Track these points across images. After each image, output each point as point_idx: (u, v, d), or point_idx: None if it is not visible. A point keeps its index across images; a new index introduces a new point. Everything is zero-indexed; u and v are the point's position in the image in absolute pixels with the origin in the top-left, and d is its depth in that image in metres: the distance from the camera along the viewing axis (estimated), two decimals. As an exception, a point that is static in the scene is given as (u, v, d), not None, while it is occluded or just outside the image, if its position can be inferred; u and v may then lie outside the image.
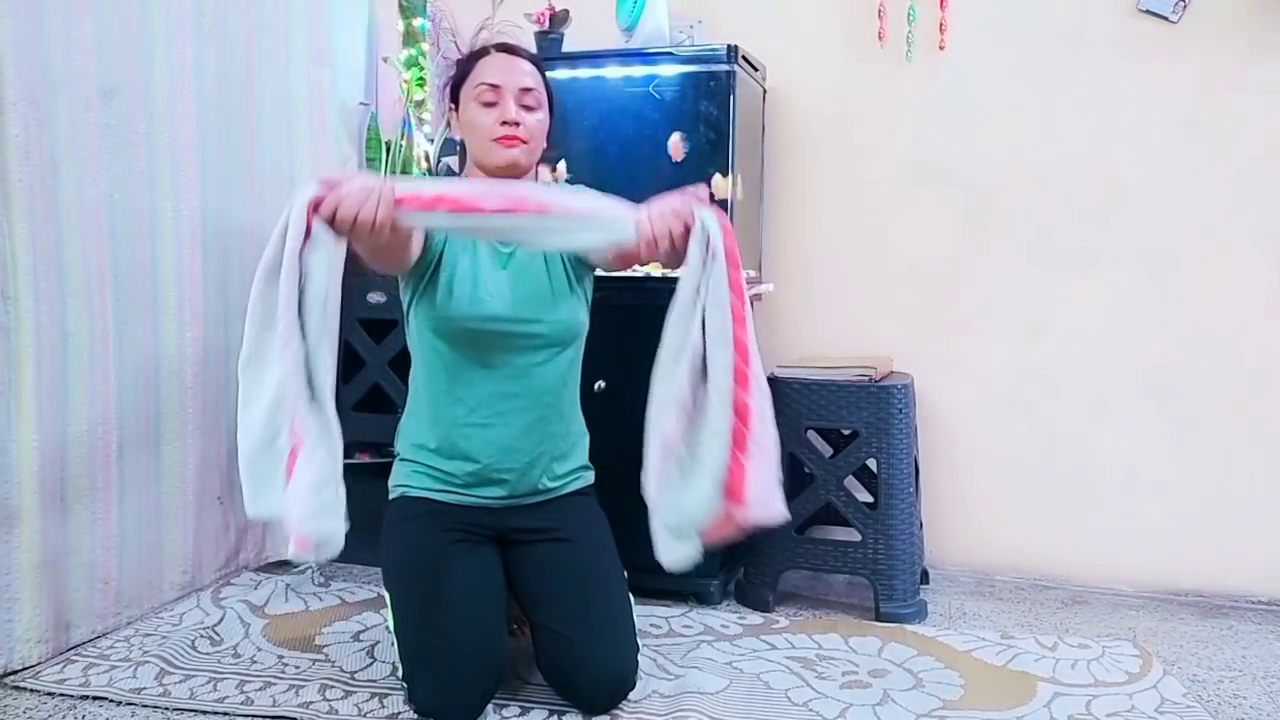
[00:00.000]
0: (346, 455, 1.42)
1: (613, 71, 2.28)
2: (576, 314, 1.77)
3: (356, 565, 2.41)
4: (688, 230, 1.33)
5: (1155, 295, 2.32)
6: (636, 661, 1.67)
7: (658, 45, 2.27)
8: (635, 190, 2.22)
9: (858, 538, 2.14)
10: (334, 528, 1.26)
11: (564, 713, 1.62)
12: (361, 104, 2.53)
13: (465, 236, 1.59)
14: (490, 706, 1.62)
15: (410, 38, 2.51)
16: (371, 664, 1.81)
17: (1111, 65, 2.31)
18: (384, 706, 1.64)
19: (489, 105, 1.70)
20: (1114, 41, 2.31)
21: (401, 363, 2.21)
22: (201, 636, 1.92)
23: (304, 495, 1.20)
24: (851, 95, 2.48)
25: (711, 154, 2.19)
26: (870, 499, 2.20)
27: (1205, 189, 2.28)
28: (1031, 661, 1.87)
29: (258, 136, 2.28)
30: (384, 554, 1.75)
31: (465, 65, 1.77)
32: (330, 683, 1.72)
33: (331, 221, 1.30)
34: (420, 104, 2.49)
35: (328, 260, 1.27)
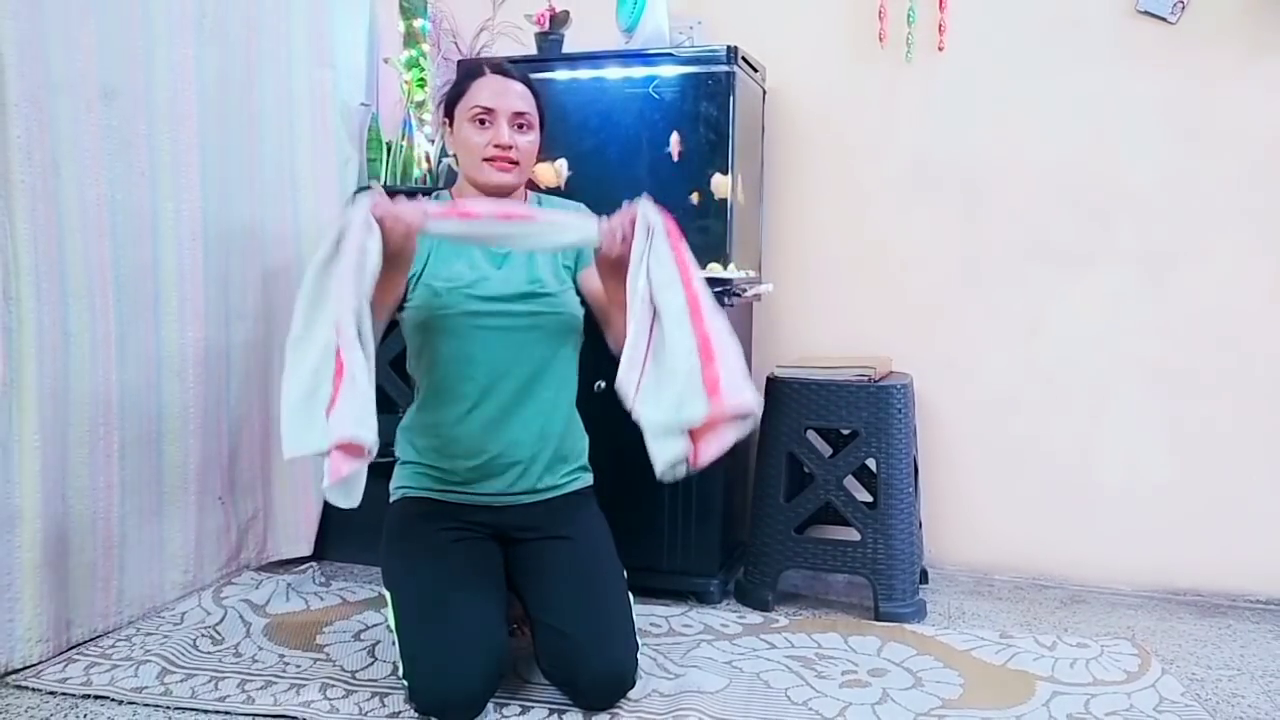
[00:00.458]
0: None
1: (613, 72, 2.28)
2: (569, 306, 1.79)
3: (357, 565, 2.42)
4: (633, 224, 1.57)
5: (1154, 295, 2.33)
6: (636, 660, 1.67)
7: (658, 46, 2.28)
8: (635, 190, 2.24)
9: (857, 537, 2.14)
10: (374, 438, 1.41)
11: (564, 711, 1.63)
12: (362, 105, 2.54)
13: (469, 243, 1.69)
14: (490, 705, 1.62)
15: (411, 39, 2.51)
16: (372, 663, 1.82)
17: (1110, 66, 2.32)
18: (385, 705, 1.65)
19: (482, 126, 1.75)
20: (1113, 42, 2.31)
21: (402, 363, 2.21)
22: (203, 635, 1.92)
23: (348, 413, 1.38)
24: (851, 96, 2.49)
25: (711, 154, 2.19)
26: (870, 499, 2.21)
27: (1204, 189, 2.28)
28: (1030, 660, 1.87)
29: (259, 137, 2.28)
30: (384, 553, 1.76)
31: (460, 84, 1.81)
32: (331, 682, 1.73)
33: (381, 217, 1.52)
34: (421, 105, 2.49)
35: (378, 246, 1.49)
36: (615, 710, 1.62)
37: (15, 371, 1.73)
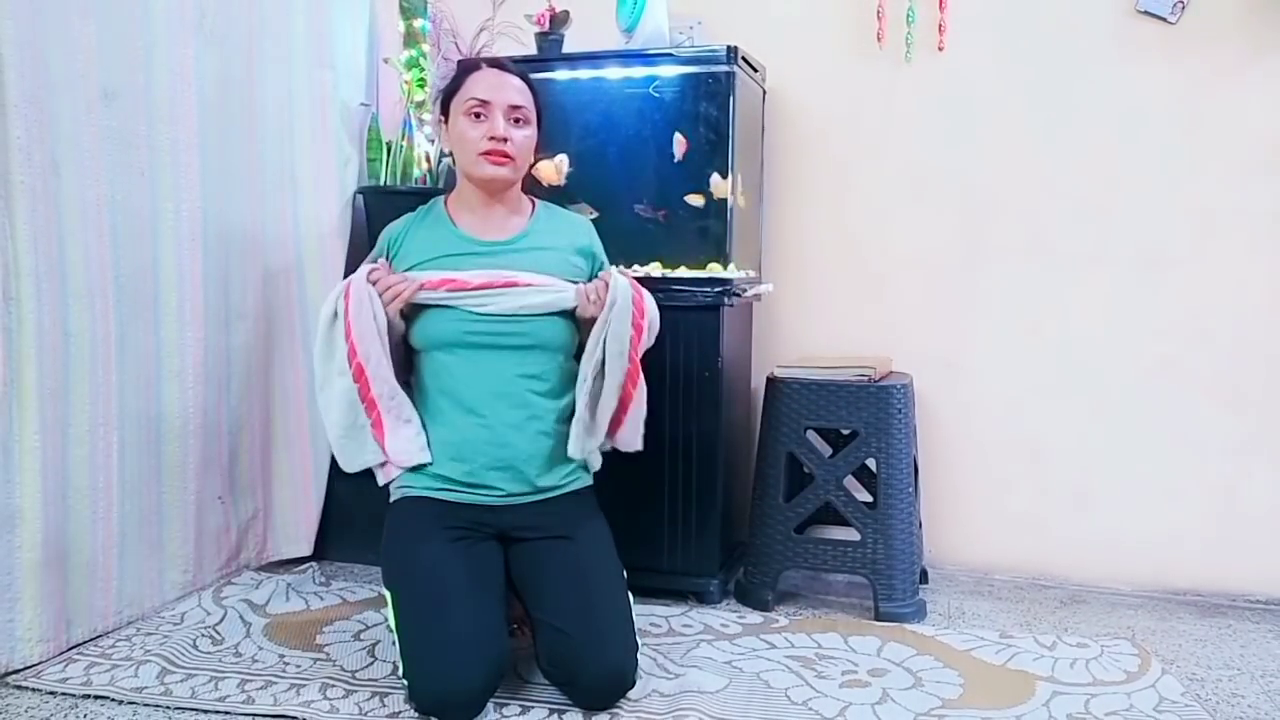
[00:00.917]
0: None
1: (613, 72, 2.28)
2: (563, 327, 1.80)
3: (357, 565, 2.42)
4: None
5: (1153, 295, 2.33)
6: (636, 659, 1.68)
7: (658, 46, 2.28)
8: (635, 190, 2.25)
9: (857, 537, 2.14)
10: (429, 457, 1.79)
11: (564, 711, 1.63)
12: (362, 105, 2.54)
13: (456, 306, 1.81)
14: (490, 704, 1.62)
15: (411, 39, 2.51)
16: (372, 663, 1.82)
17: (1110, 66, 2.32)
18: (385, 705, 1.65)
19: (478, 120, 1.75)
20: (1113, 42, 2.31)
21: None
22: (203, 635, 1.93)
23: (408, 445, 1.78)
24: (851, 96, 2.49)
25: (711, 155, 2.19)
26: (869, 498, 2.21)
27: (1204, 189, 2.28)
28: (1030, 660, 1.87)
29: (259, 137, 2.28)
30: (385, 553, 1.76)
31: (456, 79, 1.82)
32: (331, 682, 1.73)
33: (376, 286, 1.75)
34: (421, 105, 2.49)
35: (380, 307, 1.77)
36: (615, 710, 1.63)
37: (15, 372, 1.73)
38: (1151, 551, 2.35)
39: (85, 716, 1.61)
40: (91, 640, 1.89)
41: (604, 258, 1.92)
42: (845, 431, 2.25)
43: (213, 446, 2.20)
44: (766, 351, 2.55)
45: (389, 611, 1.68)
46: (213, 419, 2.19)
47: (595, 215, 2.22)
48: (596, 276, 1.85)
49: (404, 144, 2.50)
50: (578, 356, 1.84)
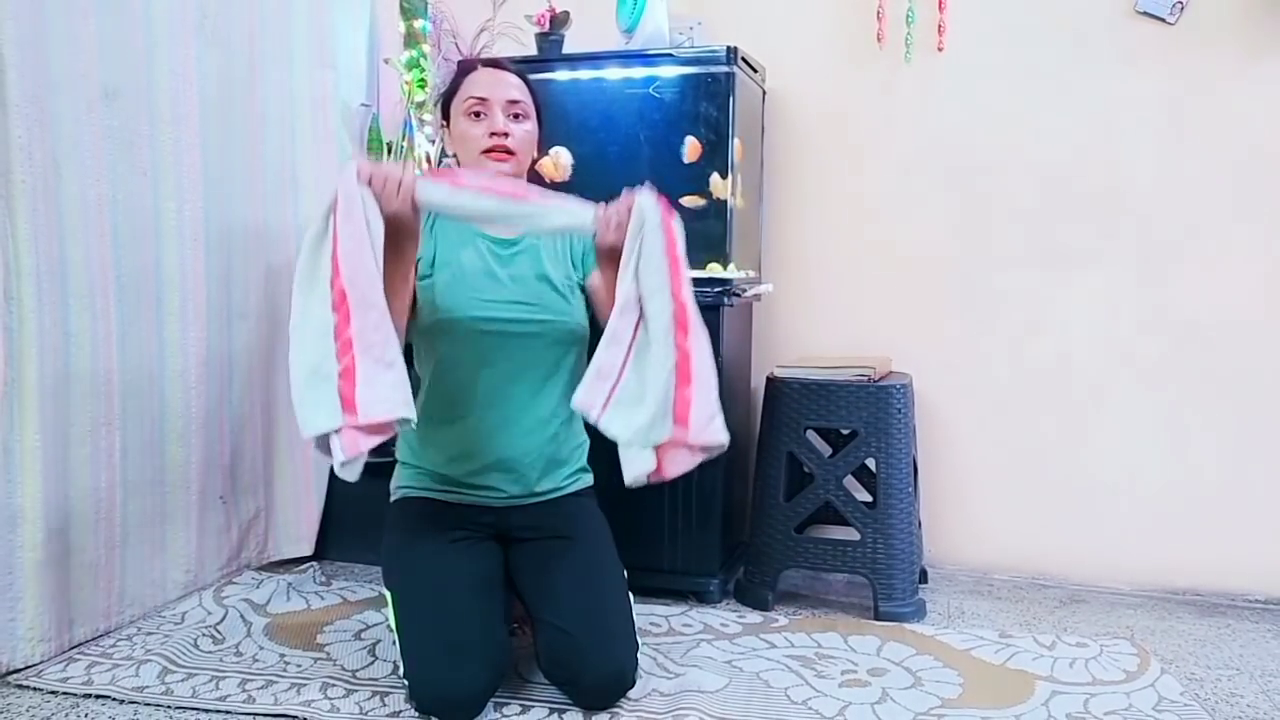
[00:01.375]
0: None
1: (613, 73, 2.28)
2: (576, 316, 1.78)
3: (358, 565, 2.42)
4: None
5: (1153, 295, 2.33)
6: (636, 659, 1.68)
7: (658, 47, 2.28)
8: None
9: (857, 537, 2.14)
10: (413, 413, 1.45)
11: (564, 711, 1.63)
12: (363, 105, 2.54)
13: (458, 218, 1.63)
14: (490, 704, 1.63)
15: (411, 39, 2.52)
16: (373, 662, 1.82)
17: (1109, 66, 2.32)
18: (385, 705, 1.65)
19: (478, 119, 1.75)
20: (1111, 43, 2.31)
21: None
22: (204, 635, 1.93)
23: (386, 393, 1.41)
24: (850, 96, 2.49)
25: (711, 155, 2.20)
26: (869, 498, 2.21)
27: (1203, 189, 2.29)
28: (1030, 660, 1.88)
29: (260, 137, 2.29)
30: (385, 552, 1.76)
31: (454, 82, 1.82)
32: (332, 681, 1.73)
33: (369, 179, 1.49)
34: (421, 105, 2.49)
35: (376, 212, 1.48)
36: (615, 710, 1.63)
37: (16, 371, 1.73)
38: (1151, 551, 2.35)
39: (86, 716, 1.61)
40: (93, 640, 1.89)
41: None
42: (845, 431, 2.25)
43: (214, 446, 2.20)
44: (766, 351, 2.55)
45: (389, 611, 1.68)
46: (214, 419, 2.19)
47: None
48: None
49: (404, 144, 2.50)
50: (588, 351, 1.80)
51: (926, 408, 2.46)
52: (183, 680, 1.73)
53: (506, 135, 1.74)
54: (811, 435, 2.22)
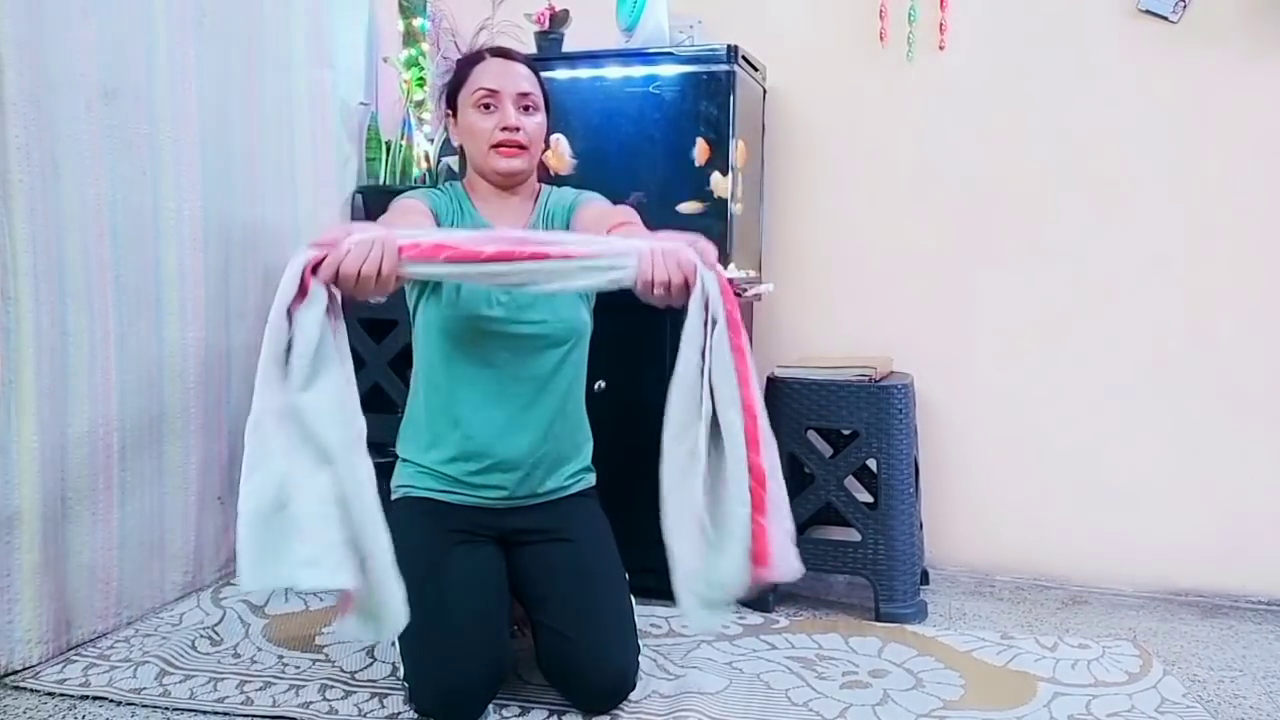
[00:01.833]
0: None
1: (613, 71, 2.28)
2: (579, 313, 1.77)
3: (357, 565, 2.41)
4: (687, 285, 1.29)
5: (1154, 295, 2.32)
6: (637, 662, 1.67)
7: (658, 45, 2.27)
8: (636, 190, 2.24)
9: (858, 538, 2.14)
10: (353, 581, 1.24)
11: (564, 713, 1.62)
12: (362, 104, 2.54)
13: (465, 283, 1.53)
14: (490, 706, 1.62)
15: (410, 38, 2.52)
16: (371, 664, 1.82)
17: (1111, 65, 2.31)
18: (384, 706, 1.64)
19: (487, 110, 1.71)
20: (1114, 41, 2.31)
21: (401, 363, 2.21)
22: (201, 636, 1.92)
23: (332, 556, 1.21)
24: (852, 95, 2.49)
25: (711, 154, 2.19)
26: (870, 499, 2.20)
27: (1205, 188, 2.28)
28: (1031, 661, 1.87)
29: (259, 136, 2.28)
30: (385, 553, 1.75)
31: (461, 71, 1.78)
32: (330, 683, 1.72)
33: (334, 280, 1.26)
34: (420, 104, 2.49)
35: (319, 316, 1.24)
36: (615, 712, 1.62)
37: (14, 371, 1.72)
38: (1153, 552, 2.34)
39: (83, 718, 1.60)
40: (90, 641, 1.88)
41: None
42: (846, 432, 2.24)
43: (213, 447, 2.19)
44: (767, 351, 2.54)
45: (389, 612, 1.67)
46: (213, 419, 2.18)
47: None
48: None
49: (403, 143, 2.50)
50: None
51: (928, 408, 2.45)
52: (180, 682, 1.72)
53: (518, 129, 1.70)
54: (812, 435, 2.21)
